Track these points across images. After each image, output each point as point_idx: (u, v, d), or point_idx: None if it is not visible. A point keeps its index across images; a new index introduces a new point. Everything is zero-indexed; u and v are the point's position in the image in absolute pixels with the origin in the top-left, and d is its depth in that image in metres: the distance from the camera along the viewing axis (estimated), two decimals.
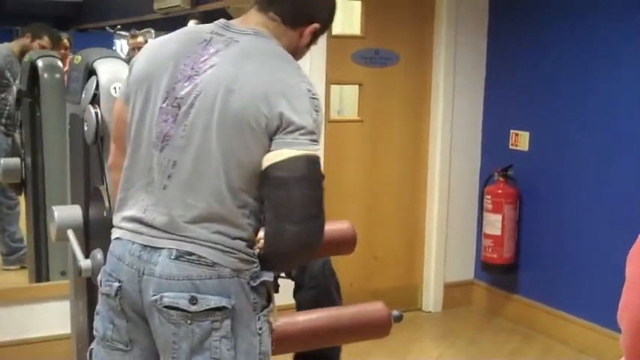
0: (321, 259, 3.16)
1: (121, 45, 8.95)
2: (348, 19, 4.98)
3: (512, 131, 4.61)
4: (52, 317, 3.66)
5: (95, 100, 2.54)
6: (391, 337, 2.75)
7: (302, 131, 1.70)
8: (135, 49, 6.50)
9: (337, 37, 4.45)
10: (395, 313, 2.72)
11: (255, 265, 1.79)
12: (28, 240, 4.58)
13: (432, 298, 4.87)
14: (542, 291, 4.49)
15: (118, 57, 2.77)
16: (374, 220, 4.70)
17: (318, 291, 3.13)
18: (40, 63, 4.13)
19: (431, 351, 4.28)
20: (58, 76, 4.18)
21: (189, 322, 1.73)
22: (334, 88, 4.62)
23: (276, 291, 3.32)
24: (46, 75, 4.13)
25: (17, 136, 4.88)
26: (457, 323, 4.69)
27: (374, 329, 2.75)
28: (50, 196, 4.10)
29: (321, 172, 1.77)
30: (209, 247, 1.73)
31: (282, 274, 3.33)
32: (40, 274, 4.30)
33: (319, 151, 1.74)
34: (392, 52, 4.60)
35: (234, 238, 1.75)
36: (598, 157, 4.11)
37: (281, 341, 2.44)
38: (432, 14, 4.67)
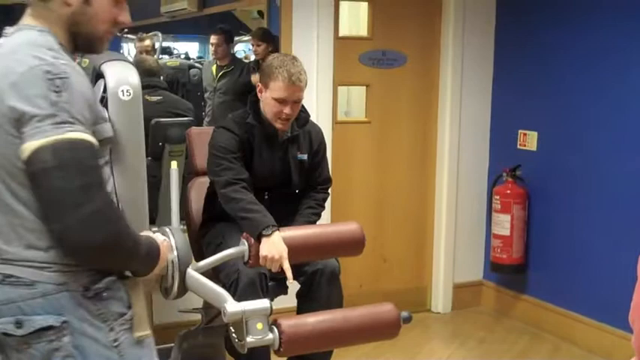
0: (328, 269, 3.16)
1: (129, 48, 8.98)
2: (355, 20, 4.99)
3: (520, 131, 4.60)
4: None
5: (103, 104, 2.51)
6: (400, 338, 2.74)
7: (38, 118, 1.56)
8: (142, 52, 6.52)
9: (344, 38, 4.45)
10: (404, 314, 2.70)
11: (90, 272, 1.69)
12: None
13: (441, 299, 4.86)
14: (551, 291, 4.48)
15: (126, 60, 2.77)
16: (382, 221, 4.70)
17: (319, 302, 3.12)
18: None
19: (440, 352, 4.27)
20: None
21: (25, 346, 1.67)
22: (341, 89, 4.62)
23: (285, 293, 3.36)
24: None
25: None
26: (466, 324, 4.68)
27: (383, 330, 2.74)
28: None
29: (80, 155, 1.59)
30: (24, 265, 1.66)
31: (292, 280, 3.34)
32: None
33: (73, 132, 1.58)
34: (399, 53, 4.60)
35: (48, 249, 1.65)
36: (607, 156, 4.09)
37: (291, 343, 2.45)
38: (439, 15, 4.66)
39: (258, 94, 3.21)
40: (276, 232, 2.83)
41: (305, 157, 3.31)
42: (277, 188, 3.26)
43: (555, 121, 4.40)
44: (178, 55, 10.57)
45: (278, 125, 3.18)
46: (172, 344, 3.40)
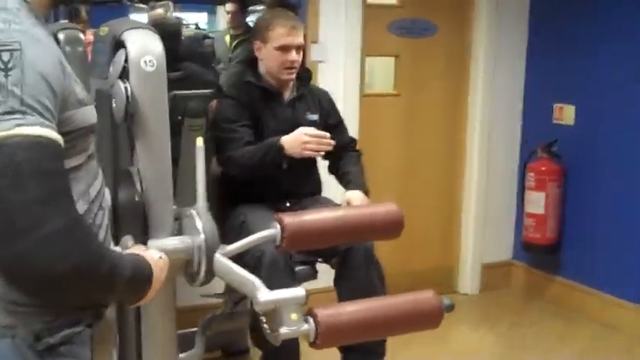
0: (362, 246, 2.98)
1: (138, 18, 8.77)
2: None
3: (556, 105, 4.38)
4: None
5: (124, 75, 2.35)
6: None
7: None
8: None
9: (373, 6, 4.22)
10: (446, 301, 2.53)
11: (48, 315, 1.30)
12: None
13: (468, 279, 4.68)
14: (587, 272, 4.29)
15: (148, 28, 2.57)
16: (409, 197, 4.48)
17: (358, 282, 2.94)
18: (61, 36, 3.92)
19: (470, 336, 4.10)
20: (80, 49, 3.97)
21: None
22: (369, 60, 4.37)
23: (314, 277, 3.18)
24: (68, 48, 3.91)
25: None
26: (496, 306, 4.50)
27: (425, 320, 2.55)
28: None
29: (34, 157, 1.17)
30: None
31: (320, 259, 3.17)
32: None
33: (24, 127, 1.18)
34: (430, 23, 4.38)
35: None
36: None
37: (328, 334, 2.27)
38: None
39: (257, 53, 3.16)
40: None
41: (316, 117, 3.23)
42: None
43: (594, 94, 4.19)
44: (187, 26, 10.36)
45: (285, 76, 3.13)
46: (193, 328, 3.24)
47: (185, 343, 3.22)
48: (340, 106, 3.74)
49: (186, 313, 3.38)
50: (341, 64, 4.06)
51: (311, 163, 3.25)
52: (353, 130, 4.02)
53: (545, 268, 4.54)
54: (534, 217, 4.33)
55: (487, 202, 4.63)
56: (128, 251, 1.52)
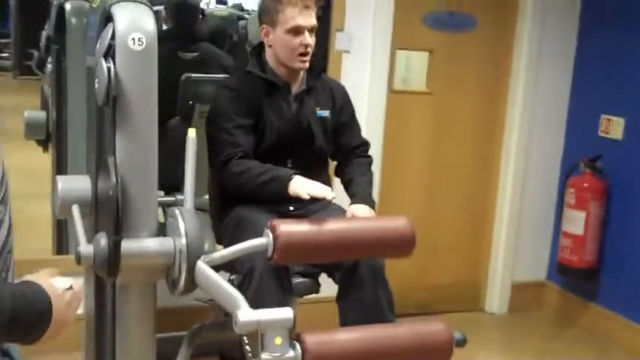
0: (370, 262, 2.65)
1: None
2: None
3: (603, 116, 4.00)
4: None
5: (110, 53, 2.11)
6: None
7: None
8: None
9: None
10: (457, 335, 2.25)
11: None
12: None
13: (496, 298, 4.32)
14: (625, 302, 3.91)
15: (142, 2, 2.30)
16: (436, 204, 4.17)
17: (364, 304, 2.63)
18: (67, 6, 3.72)
19: None
20: (86, 21, 3.73)
21: None
22: (400, 54, 4.02)
23: (316, 291, 2.88)
24: (73, 20, 3.69)
25: (47, 88, 4.52)
26: (524, 330, 4.13)
27: (432, 354, 2.25)
28: (73, 157, 3.69)
29: None
30: None
31: (324, 272, 2.86)
32: (61, 244, 3.89)
33: None
34: (469, 16, 4.02)
35: None
36: None
37: None
38: None
39: (264, 39, 2.84)
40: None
41: (326, 114, 2.91)
42: (299, 149, 2.84)
43: None
44: (233, 5, 10.14)
45: (298, 64, 2.79)
46: (180, 332, 2.96)
47: (177, 347, 2.97)
48: (365, 101, 3.44)
49: (178, 314, 3.12)
50: (368, 55, 3.72)
51: (321, 164, 2.95)
52: (378, 129, 3.74)
53: (581, 293, 4.16)
54: (572, 238, 3.95)
55: (522, 216, 4.27)
56: (27, 278, 1.20)
